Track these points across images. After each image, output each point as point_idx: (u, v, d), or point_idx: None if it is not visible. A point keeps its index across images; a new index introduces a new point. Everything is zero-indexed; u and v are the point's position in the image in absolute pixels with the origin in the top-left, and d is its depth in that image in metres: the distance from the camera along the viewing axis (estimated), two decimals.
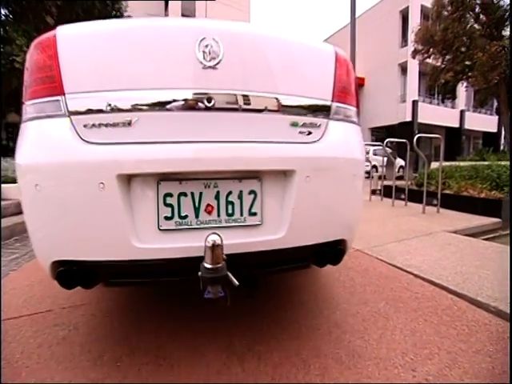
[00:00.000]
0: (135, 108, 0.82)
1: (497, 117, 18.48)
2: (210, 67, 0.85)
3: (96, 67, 0.84)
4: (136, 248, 0.83)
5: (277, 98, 0.92)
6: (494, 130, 19.91)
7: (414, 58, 12.04)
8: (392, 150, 10.43)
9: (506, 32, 9.87)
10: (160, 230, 0.85)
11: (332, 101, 1.01)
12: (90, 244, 0.84)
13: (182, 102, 0.84)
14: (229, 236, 0.84)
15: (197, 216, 0.87)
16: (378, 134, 19.95)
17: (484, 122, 20.29)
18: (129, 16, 6.88)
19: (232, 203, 0.90)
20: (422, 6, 15.79)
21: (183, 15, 16.74)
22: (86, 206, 0.81)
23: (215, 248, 0.75)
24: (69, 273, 0.85)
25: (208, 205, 0.88)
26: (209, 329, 1.21)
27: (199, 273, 0.78)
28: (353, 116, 1.11)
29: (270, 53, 0.95)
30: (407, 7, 16.28)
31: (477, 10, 9.73)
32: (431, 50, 10.98)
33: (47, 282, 1.66)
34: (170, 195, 0.86)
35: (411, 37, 12.34)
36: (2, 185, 3.69)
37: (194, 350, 1.08)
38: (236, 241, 0.87)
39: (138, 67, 0.85)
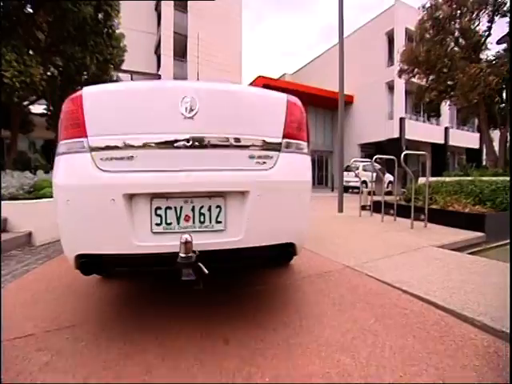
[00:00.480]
0: (136, 147, 1.17)
1: (478, 134, 19.22)
2: (189, 117, 1.20)
3: (108, 117, 1.20)
4: (135, 245, 1.16)
5: (238, 138, 1.25)
6: (477, 146, 20.64)
7: (400, 77, 12.52)
8: (381, 166, 10.72)
9: (483, 55, 10.47)
10: (152, 232, 1.18)
11: (282, 138, 1.34)
12: (103, 241, 1.18)
13: (169, 143, 1.18)
14: (201, 238, 1.17)
15: (178, 223, 1.21)
16: (367, 149, 20.43)
17: (467, 138, 21.07)
18: (121, 33, 6.92)
19: (203, 214, 1.23)
20: (406, 28, 16.61)
21: (175, 33, 17.34)
22: (101, 214, 1.15)
23: (186, 243, 1.09)
24: (88, 263, 1.22)
25: (186, 215, 1.22)
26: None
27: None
28: (301, 148, 1.42)
29: (234, 103, 1.30)
30: (392, 29, 17.13)
31: (456, 34, 10.30)
32: (416, 70, 11.43)
33: (31, 303, 1.62)
34: (160, 208, 1.19)
35: (397, 57, 12.89)
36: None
37: None
38: (206, 241, 1.19)
39: (138, 118, 1.19)
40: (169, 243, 1.16)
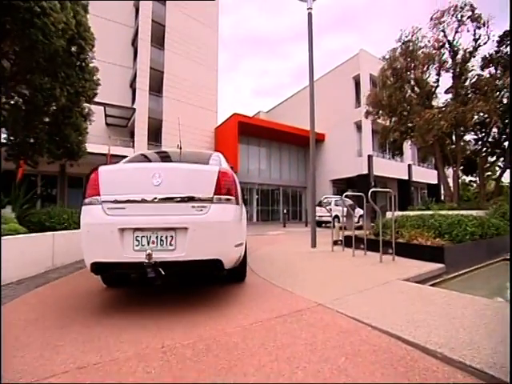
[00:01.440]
0: (125, 201, 2.05)
1: (436, 171, 20.98)
2: (156, 185, 2.08)
3: (112, 184, 2.11)
4: (124, 256, 1.99)
5: (185, 196, 2.09)
6: (436, 181, 22.45)
7: (366, 118, 13.62)
8: (351, 202, 11.23)
9: (435, 102, 11.80)
10: (134, 250, 2.01)
11: (213, 195, 2.15)
12: (107, 254, 2.02)
13: (144, 200, 2.05)
14: (161, 254, 2.01)
15: (148, 245, 2.04)
16: (339, 185, 21.40)
17: (427, 175, 22.88)
18: (95, 68, 6.79)
19: (162, 240, 2.05)
20: (370, 74, 18.39)
21: (151, 68, 17.61)
22: (106, 239, 2.00)
23: (149, 255, 1.94)
24: (98, 267, 2.08)
25: (153, 240, 2.05)
26: None
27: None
28: (228, 200, 2.21)
29: (183, 176, 2.19)
30: (358, 74, 18.87)
31: (412, 82, 11.57)
32: (380, 112, 12.46)
33: None
34: (138, 236, 2.04)
35: (363, 100, 14.14)
36: None
37: None
38: (164, 255, 2.02)
39: (127, 185, 2.11)
40: (142, 256, 1.97)
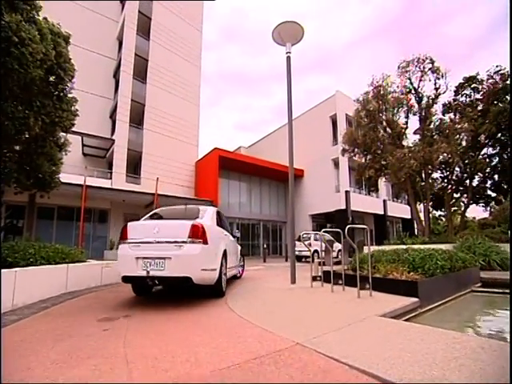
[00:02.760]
0: (139, 242, 3.79)
1: (409, 206, 22.05)
2: (155, 233, 3.75)
3: (134, 233, 3.89)
4: (137, 272, 3.65)
5: (171, 240, 3.67)
6: (409, 216, 23.49)
7: (343, 155, 14.30)
8: (330, 237, 11.42)
9: (405, 142, 12.73)
10: (142, 269, 3.62)
11: (187, 238, 3.65)
12: (129, 271, 3.72)
13: (149, 242, 3.74)
14: (157, 272, 3.58)
15: (150, 267, 3.61)
16: (318, 220, 21.81)
17: (402, 209, 23.94)
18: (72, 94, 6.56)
19: (157, 263, 3.60)
20: (346, 114, 19.57)
21: (133, 100, 17.87)
22: (129, 263, 3.71)
23: (148, 272, 3.60)
24: (125, 278, 3.81)
25: (152, 264, 3.62)
26: None
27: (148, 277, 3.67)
28: (197, 241, 3.67)
29: (171, 227, 3.90)
30: (335, 114, 20.07)
31: (384, 124, 12.51)
32: (356, 150, 13.17)
33: None
34: (144, 261, 3.65)
35: (340, 138, 14.94)
36: None
37: None
38: (158, 273, 3.58)
39: (141, 233, 3.87)
40: (145, 272, 3.56)
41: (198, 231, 3.68)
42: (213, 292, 4.16)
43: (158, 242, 3.65)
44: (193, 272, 3.57)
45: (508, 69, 11.09)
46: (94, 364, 1.91)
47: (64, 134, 7.07)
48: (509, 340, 2.73)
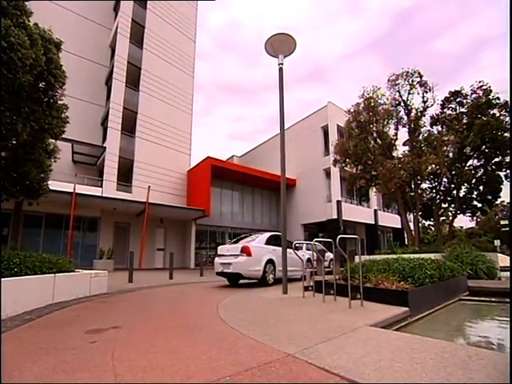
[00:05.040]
0: (221, 255, 7.53)
1: (399, 216, 22.37)
2: (228, 250, 7.61)
3: (220, 250, 7.78)
4: (219, 270, 7.37)
5: (233, 254, 7.22)
6: (400, 226, 23.80)
7: (334, 165, 14.36)
8: (322, 247, 11.43)
9: (395, 153, 12.97)
10: (220, 268, 7.33)
11: (240, 253, 7.11)
12: (218, 269, 7.41)
13: (225, 255, 7.43)
14: (226, 269, 7.12)
15: (223, 266, 7.24)
16: (310, 229, 21.85)
17: (392, 219, 24.21)
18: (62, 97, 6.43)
19: (227, 265, 7.09)
20: (337, 125, 19.77)
21: (125, 108, 17.84)
22: (217, 266, 7.43)
23: (223, 270, 7.26)
24: (218, 273, 7.49)
25: (224, 265, 7.18)
26: None
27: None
28: (245, 255, 6.92)
29: (234, 248, 7.53)
30: (327, 124, 20.23)
31: (374, 135, 12.69)
32: (347, 160, 13.23)
33: None
34: (222, 264, 7.29)
35: (331, 148, 15.05)
36: None
37: None
38: (227, 270, 7.12)
39: (222, 251, 7.65)
40: (221, 269, 7.25)
41: (244, 249, 6.91)
42: (260, 282, 7.08)
43: (227, 255, 7.17)
44: (242, 271, 6.83)
45: (490, 84, 11.57)
46: (81, 377, 1.85)
47: (53, 141, 6.96)
48: (505, 347, 2.78)
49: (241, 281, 7.74)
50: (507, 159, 11.78)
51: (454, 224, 15.05)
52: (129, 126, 18.16)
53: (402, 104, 12.23)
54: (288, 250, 6.00)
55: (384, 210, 24.20)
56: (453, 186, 13.13)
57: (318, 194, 20.32)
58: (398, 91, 12.09)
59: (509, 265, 9.50)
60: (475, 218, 15.78)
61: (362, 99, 12.43)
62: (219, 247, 7.76)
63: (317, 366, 1.99)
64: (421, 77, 11.70)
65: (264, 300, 4.85)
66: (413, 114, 12.18)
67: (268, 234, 7.84)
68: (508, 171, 11.96)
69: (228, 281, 7.69)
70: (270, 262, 7.18)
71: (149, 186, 14.83)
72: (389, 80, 12.13)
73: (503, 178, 12.42)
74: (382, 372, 1.85)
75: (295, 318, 3.50)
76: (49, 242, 13.97)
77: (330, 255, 12.67)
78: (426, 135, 12.30)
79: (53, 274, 4.66)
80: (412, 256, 5.80)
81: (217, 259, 7.45)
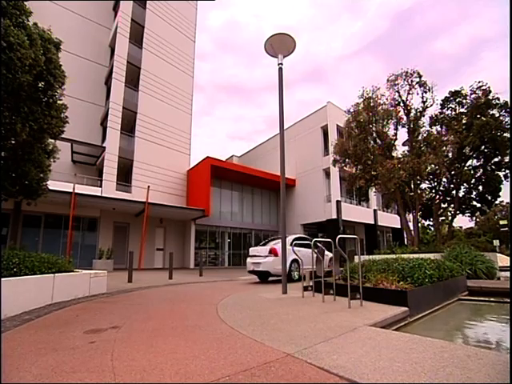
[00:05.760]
0: (252, 256, 8.68)
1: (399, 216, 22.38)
2: (258, 251, 8.77)
3: (251, 252, 9.02)
4: (251, 268, 8.51)
5: (262, 254, 8.46)
6: (399, 226, 23.81)
7: (334, 166, 14.32)
8: (321, 247, 11.41)
9: (394, 153, 12.98)
10: (252, 267, 8.47)
11: (268, 253, 8.34)
12: (249, 268, 8.54)
13: (255, 256, 8.63)
14: (255, 268, 8.33)
15: (253, 265, 8.43)
16: (310, 229, 21.86)
17: (392, 219, 24.25)
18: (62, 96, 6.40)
19: (256, 264, 8.28)
20: (337, 125, 19.84)
21: (124, 108, 17.68)
22: (249, 265, 8.55)
23: (253, 268, 8.41)
24: (249, 271, 8.60)
25: (254, 264, 8.36)
26: None
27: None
28: (272, 255, 8.10)
29: (263, 249, 8.78)
30: (326, 125, 20.24)
31: (374, 135, 12.66)
32: (346, 160, 13.24)
33: None
34: (252, 263, 8.41)
35: (331, 148, 15.03)
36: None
37: None
38: (256, 268, 8.29)
39: (253, 252, 8.85)
40: (251, 268, 8.36)
41: (272, 250, 7.98)
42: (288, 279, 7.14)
43: (257, 256, 8.26)
44: (270, 269, 7.82)
45: (489, 84, 11.59)
46: (79, 378, 1.85)
47: (53, 141, 6.95)
48: (505, 347, 2.78)
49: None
50: (506, 159, 11.80)
51: (454, 224, 15.09)
52: (128, 126, 18.16)
53: (402, 104, 12.24)
54: (308, 249, 6.70)
55: (383, 210, 24.21)
56: (452, 186, 13.16)
57: (317, 194, 20.32)
58: (398, 91, 12.10)
59: (508, 265, 9.53)
60: (474, 218, 15.81)
61: (362, 99, 12.43)
62: (250, 249, 8.95)
63: (316, 366, 1.99)
64: (420, 77, 11.72)
65: (263, 300, 4.85)
66: (412, 114, 12.19)
67: (293, 236, 8.75)
68: (507, 171, 12.00)
69: (258, 277, 8.77)
70: (295, 261, 8.16)
71: (148, 186, 14.83)
72: (388, 80, 12.14)
73: (502, 178, 12.44)
74: (381, 372, 1.85)
75: (294, 317, 3.50)
76: (48, 242, 13.97)
77: (330, 254, 12.69)
78: (425, 135, 12.31)
79: (52, 274, 4.65)
80: (411, 256, 5.81)
81: (248, 259, 8.52)
